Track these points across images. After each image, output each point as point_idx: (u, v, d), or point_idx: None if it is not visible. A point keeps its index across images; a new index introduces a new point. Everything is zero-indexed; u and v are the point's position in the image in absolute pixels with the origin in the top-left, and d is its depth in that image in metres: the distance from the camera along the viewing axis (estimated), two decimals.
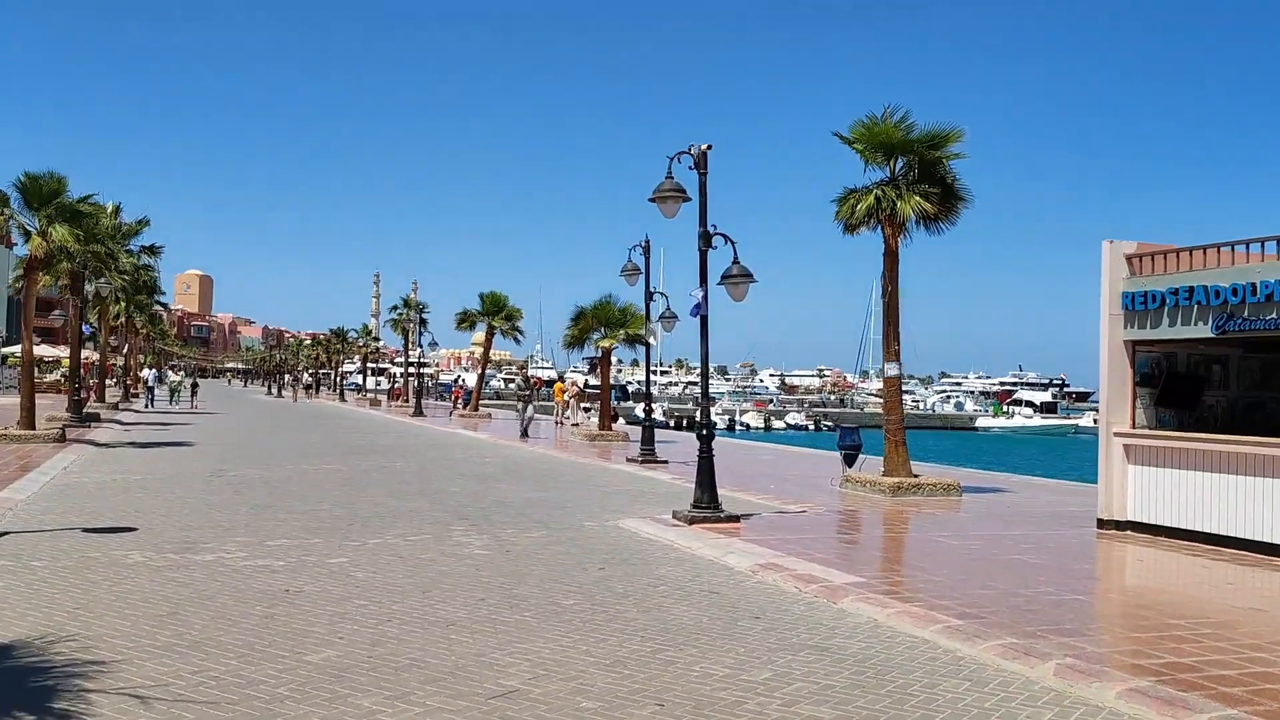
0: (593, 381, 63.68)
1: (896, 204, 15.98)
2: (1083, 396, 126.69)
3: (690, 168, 12.46)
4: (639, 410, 71.74)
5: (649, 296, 21.14)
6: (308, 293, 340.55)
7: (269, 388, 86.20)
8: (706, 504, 12.23)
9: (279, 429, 32.39)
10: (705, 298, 12.34)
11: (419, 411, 43.30)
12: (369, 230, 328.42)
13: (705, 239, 12.45)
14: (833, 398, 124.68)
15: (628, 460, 21.27)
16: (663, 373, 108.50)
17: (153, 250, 42.13)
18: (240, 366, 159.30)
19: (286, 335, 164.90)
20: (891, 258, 16.63)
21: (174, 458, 20.22)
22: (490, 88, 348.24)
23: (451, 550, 10.21)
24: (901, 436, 16.67)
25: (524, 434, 27.75)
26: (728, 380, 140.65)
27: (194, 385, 51.63)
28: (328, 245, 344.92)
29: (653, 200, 12.48)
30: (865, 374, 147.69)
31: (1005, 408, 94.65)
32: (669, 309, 21.58)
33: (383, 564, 9.37)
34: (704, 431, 12.48)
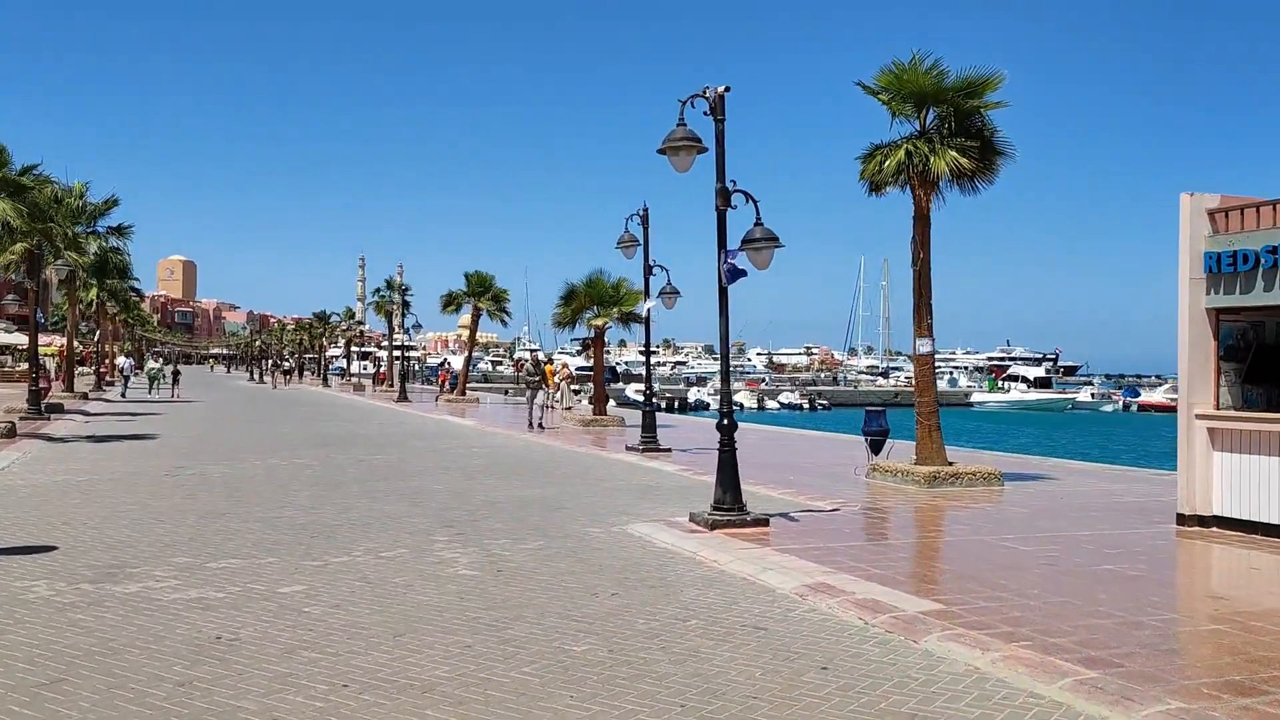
0: (580, 363, 61.98)
1: (929, 160, 14.26)
2: (1071, 370, 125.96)
3: (705, 113, 10.67)
4: (629, 392, 70.41)
5: (648, 270, 19.38)
6: (294, 278, 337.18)
7: (251, 374, 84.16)
8: (729, 505, 10.52)
9: (254, 419, 30.55)
10: (731, 260, 10.56)
11: (403, 397, 41.48)
12: (354, 215, 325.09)
13: (724, 196, 10.68)
14: (822, 375, 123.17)
15: (627, 449, 19.55)
16: (651, 353, 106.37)
17: (121, 231, 39.93)
18: (225, 352, 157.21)
19: (271, 320, 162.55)
20: (922, 221, 14.91)
21: (131, 454, 18.40)
22: (473, 64, 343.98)
23: (432, 571, 8.47)
24: (936, 420, 15.01)
25: (534, 425, 24.51)
26: (715, 360, 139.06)
27: (175, 373, 48.09)
28: (313, 230, 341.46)
29: (663, 151, 10.70)
30: (853, 351, 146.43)
31: (1000, 383, 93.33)
32: (670, 284, 19.82)
33: (346, 593, 7.63)
34: (724, 421, 10.75)
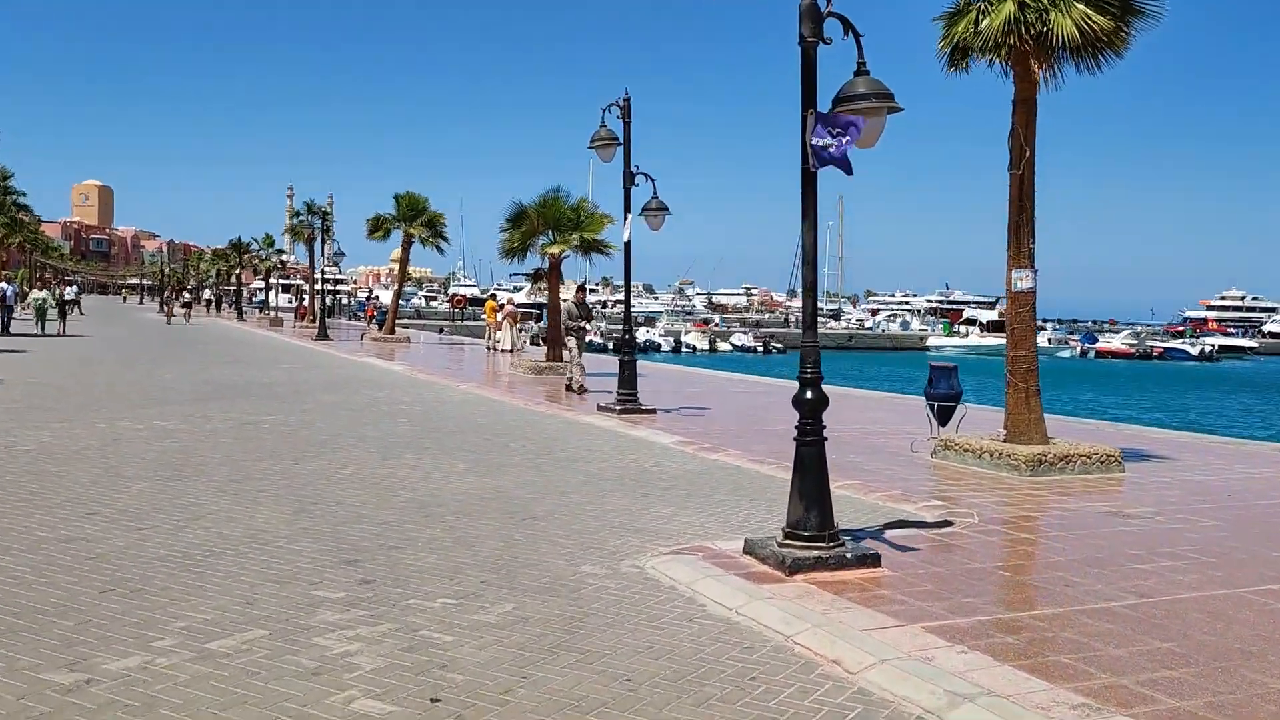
0: (521, 299, 57.14)
1: (1049, 15, 10.09)
2: None
3: None
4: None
5: (629, 178, 14.98)
6: (219, 207, 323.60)
7: (161, 305, 77.88)
8: (815, 531, 6.40)
9: (140, 360, 25.63)
10: (838, 133, 6.31)
11: (323, 335, 36.52)
12: (286, 147, 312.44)
13: (812, 19, 6.40)
14: (769, 316, 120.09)
15: (600, 409, 15.31)
16: (590, 290, 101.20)
17: None
18: (142, 283, 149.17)
19: (193, 250, 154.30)
20: (1027, 106, 10.78)
21: None
22: None
23: (299, 702, 4.22)
24: (1035, 382, 11.04)
25: (579, 388, 17.89)
26: (655, 298, 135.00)
27: (63, 305, 40.96)
28: (238, 158, 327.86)
29: None
30: (793, 293, 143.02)
31: (956, 327, 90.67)
32: (656, 198, 15.46)
33: None
34: (808, 394, 6.55)
